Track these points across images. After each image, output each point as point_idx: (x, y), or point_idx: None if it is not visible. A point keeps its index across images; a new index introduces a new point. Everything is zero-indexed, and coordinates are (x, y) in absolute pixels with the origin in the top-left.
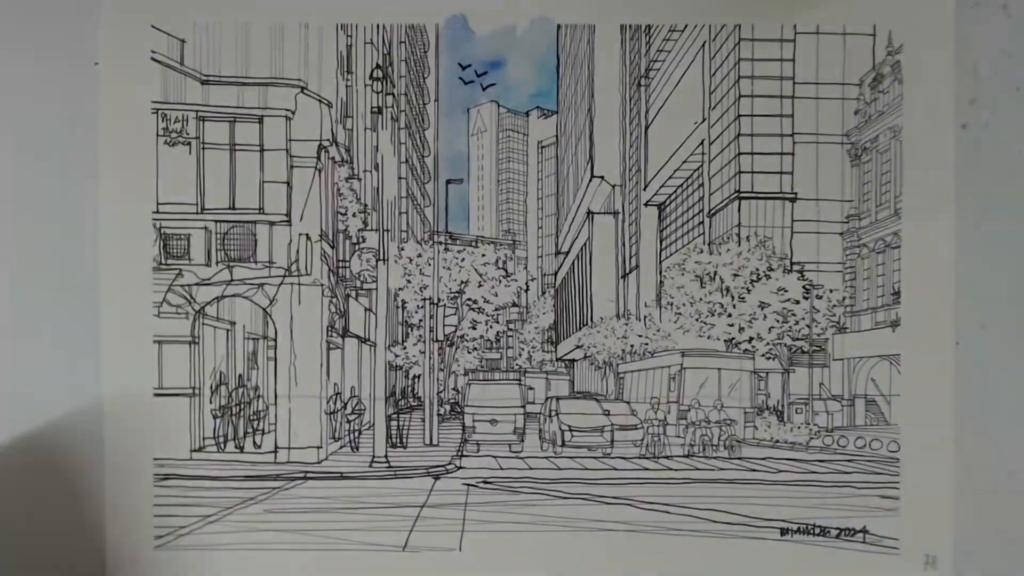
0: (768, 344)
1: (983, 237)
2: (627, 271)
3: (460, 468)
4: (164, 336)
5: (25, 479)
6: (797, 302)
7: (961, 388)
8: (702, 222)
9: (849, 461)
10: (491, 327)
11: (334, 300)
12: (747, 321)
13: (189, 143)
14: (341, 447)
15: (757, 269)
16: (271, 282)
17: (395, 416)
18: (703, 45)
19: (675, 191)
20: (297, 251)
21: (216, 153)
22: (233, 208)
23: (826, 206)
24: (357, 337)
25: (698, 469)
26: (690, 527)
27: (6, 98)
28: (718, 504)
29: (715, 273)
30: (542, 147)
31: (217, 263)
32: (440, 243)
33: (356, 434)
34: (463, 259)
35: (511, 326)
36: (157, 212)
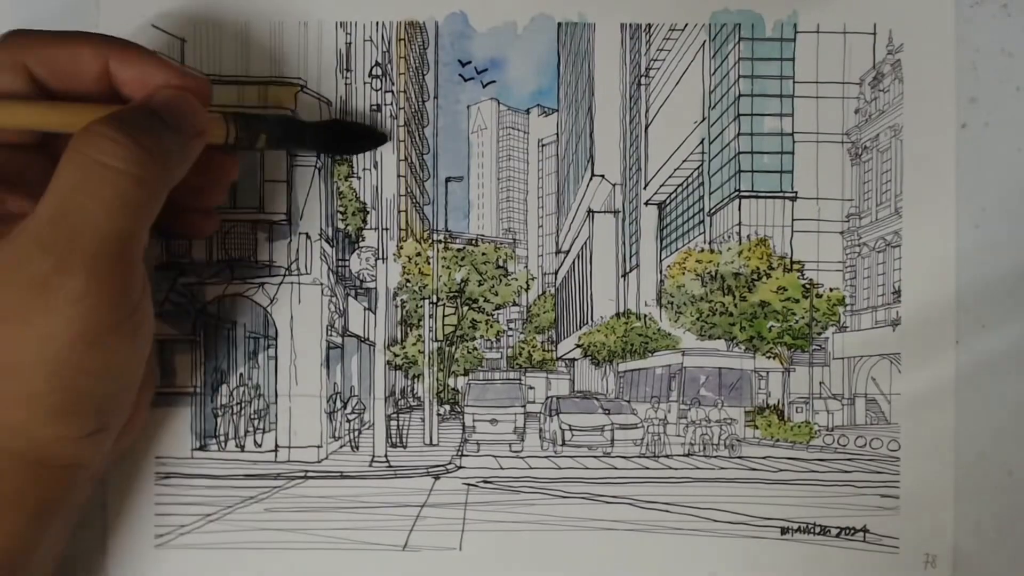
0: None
1: (983, 237)
2: (627, 270)
3: (460, 468)
4: (164, 336)
5: None
6: (796, 301)
7: (961, 388)
8: (702, 221)
9: (849, 460)
10: (491, 327)
11: (334, 299)
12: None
13: None
14: (341, 446)
15: (758, 268)
16: (271, 281)
17: (395, 416)
18: (703, 45)
19: (675, 190)
20: (297, 250)
21: None
22: (234, 207)
23: (826, 205)
24: (356, 336)
25: (698, 468)
26: (690, 526)
27: None
28: (718, 503)
29: (716, 272)
30: (543, 145)
31: (218, 262)
32: (439, 241)
33: (356, 433)
34: (463, 257)
35: (511, 325)
36: None
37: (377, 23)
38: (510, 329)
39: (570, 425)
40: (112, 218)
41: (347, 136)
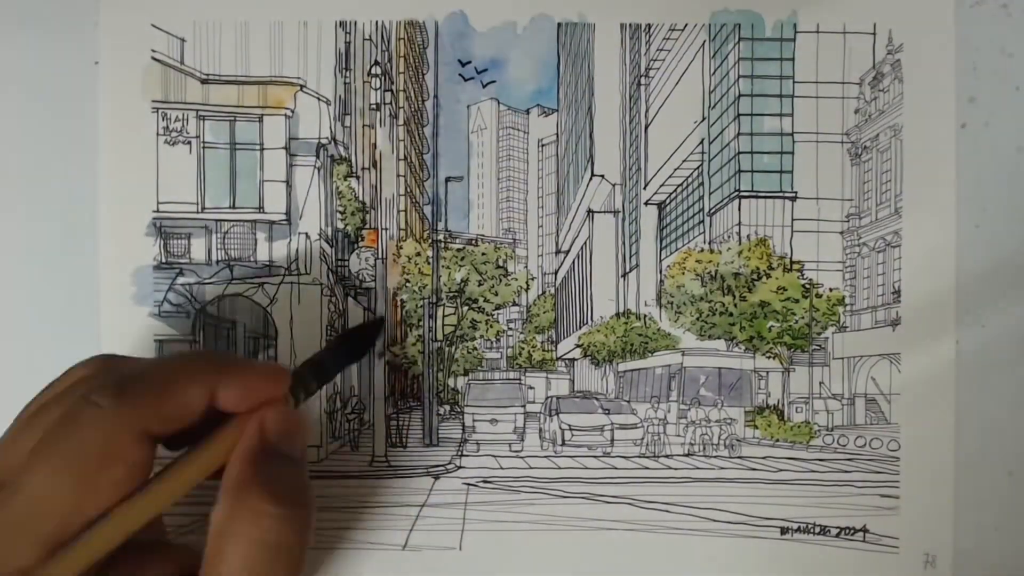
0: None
1: (983, 237)
2: (627, 270)
3: (460, 468)
4: (164, 336)
5: None
6: (796, 301)
7: (961, 388)
8: (702, 221)
9: (849, 460)
10: (491, 327)
11: (333, 299)
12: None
13: (189, 142)
14: (341, 446)
15: (758, 268)
16: (271, 281)
17: (395, 416)
18: (703, 44)
19: (675, 190)
20: (296, 250)
21: (216, 152)
22: (233, 207)
23: (826, 205)
24: None
25: (698, 468)
26: (690, 526)
27: (5, 98)
28: (718, 503)
29: (716, 272)
30: (542, 145)
31: (217, 262)
32: (439, 241)
33: (356, 433)
34: (463, 257)
35: (511, 325)
36: (157, 212)
37: (377, 22)
38: (510, 329)
39: (570, 425)
40: None
41: (360, 340)
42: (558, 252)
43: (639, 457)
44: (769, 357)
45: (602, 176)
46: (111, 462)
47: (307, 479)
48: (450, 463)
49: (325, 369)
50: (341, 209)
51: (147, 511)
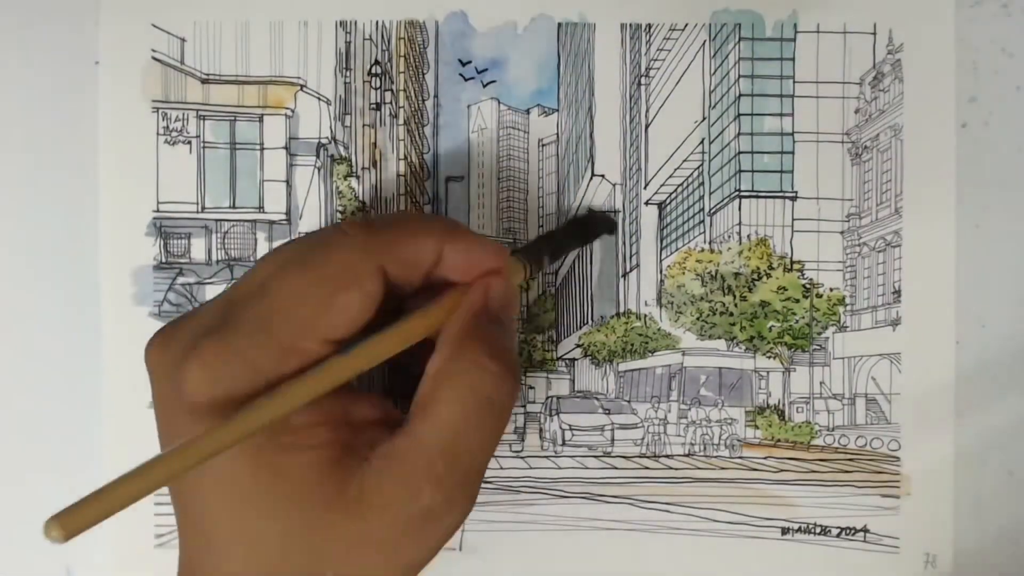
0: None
1: (983, 237)
2: (627, 270)
3: None
4: None
5: (24, 479)
6: (797, 300)
7: (961, 388)
8: (702, 221)
9: (849, 460)
10: None
11: None
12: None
13: (189, 142)
14: None
15: (758, 268)
16: None
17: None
18: (703, 44)
19: (675, 190)
20: None
21: (216, 152)
22: (233, 207)
23: (826, 205)
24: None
25: (699, 468)
26: (691, 526)
27: (5, 97)
28: (719, 503)
29: (716, 272)
30: (543, 145)
31: (217, 262)
32: None
33: None
34: None
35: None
36: (157, 212)
37: (377, 22)
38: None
39: (570, 425)
40: (491, 451)
41: (593, 227)
42: None
43: (639, 457)
44: (769, 357)
45: (602, 176)
46: (349, 285)
47: (518, 352)
48: None
49: (557, 243)
50: (341, 209)
51: (377, 357)
